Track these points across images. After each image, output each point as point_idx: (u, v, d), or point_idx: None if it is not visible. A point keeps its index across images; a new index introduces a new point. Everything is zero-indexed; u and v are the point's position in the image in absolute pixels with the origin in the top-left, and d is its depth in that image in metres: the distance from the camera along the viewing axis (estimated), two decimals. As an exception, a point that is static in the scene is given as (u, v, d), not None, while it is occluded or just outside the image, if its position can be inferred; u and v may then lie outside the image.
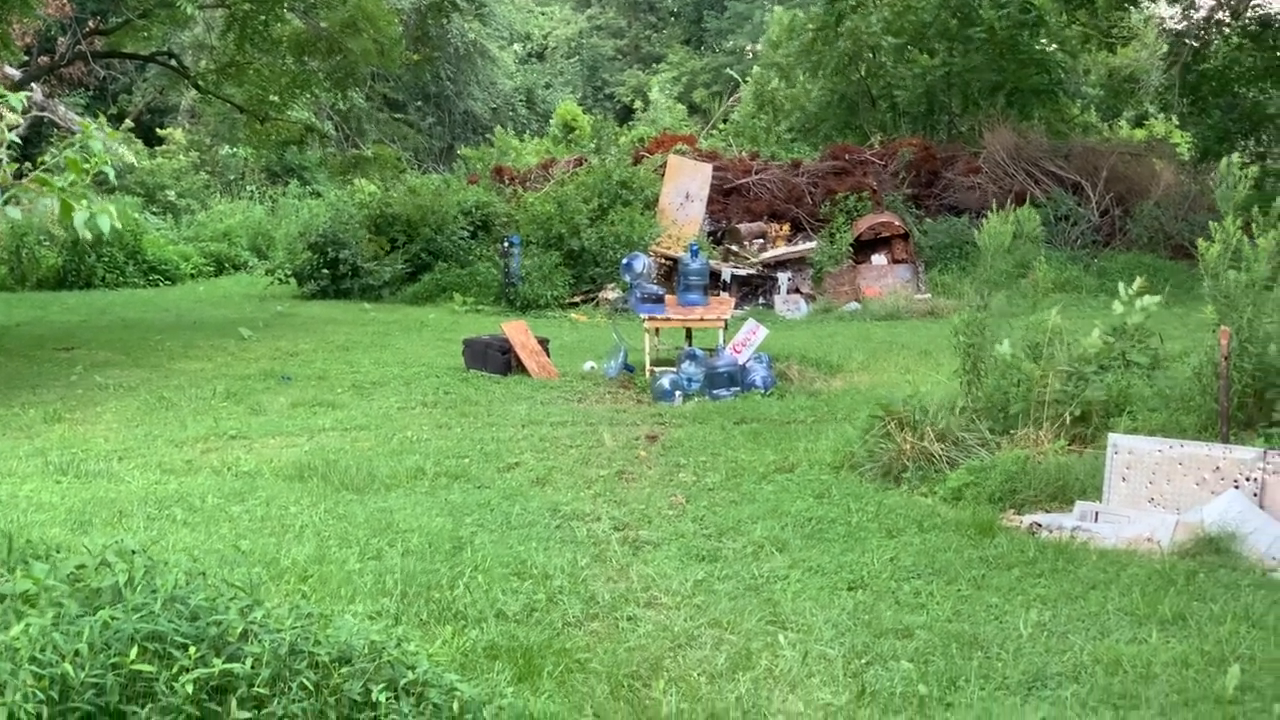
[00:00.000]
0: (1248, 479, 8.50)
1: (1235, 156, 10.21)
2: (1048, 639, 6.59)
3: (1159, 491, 8.77)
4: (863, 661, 6.33)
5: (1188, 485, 8.69)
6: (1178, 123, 34.85)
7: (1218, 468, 8.60)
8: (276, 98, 26.07)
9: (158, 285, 27.85)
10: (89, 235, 6.30)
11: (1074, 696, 5.84)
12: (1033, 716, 5.63)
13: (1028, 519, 8.83)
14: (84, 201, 6.24)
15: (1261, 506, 8.37)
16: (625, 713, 5.72)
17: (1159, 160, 28.25)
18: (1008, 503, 9.16)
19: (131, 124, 36.58)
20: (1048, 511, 9.01)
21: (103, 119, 7.27)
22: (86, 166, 6.11)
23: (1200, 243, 9.81)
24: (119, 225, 6.19)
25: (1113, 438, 9.11)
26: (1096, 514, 8.73)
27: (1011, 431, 10.04)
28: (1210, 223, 9.87)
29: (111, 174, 6.37)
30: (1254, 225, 9.55)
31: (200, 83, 25.60)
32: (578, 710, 5.70)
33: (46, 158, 6.38)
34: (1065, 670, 6.16)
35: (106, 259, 27.38)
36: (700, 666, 6.30)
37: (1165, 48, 34.29)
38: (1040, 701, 5.82)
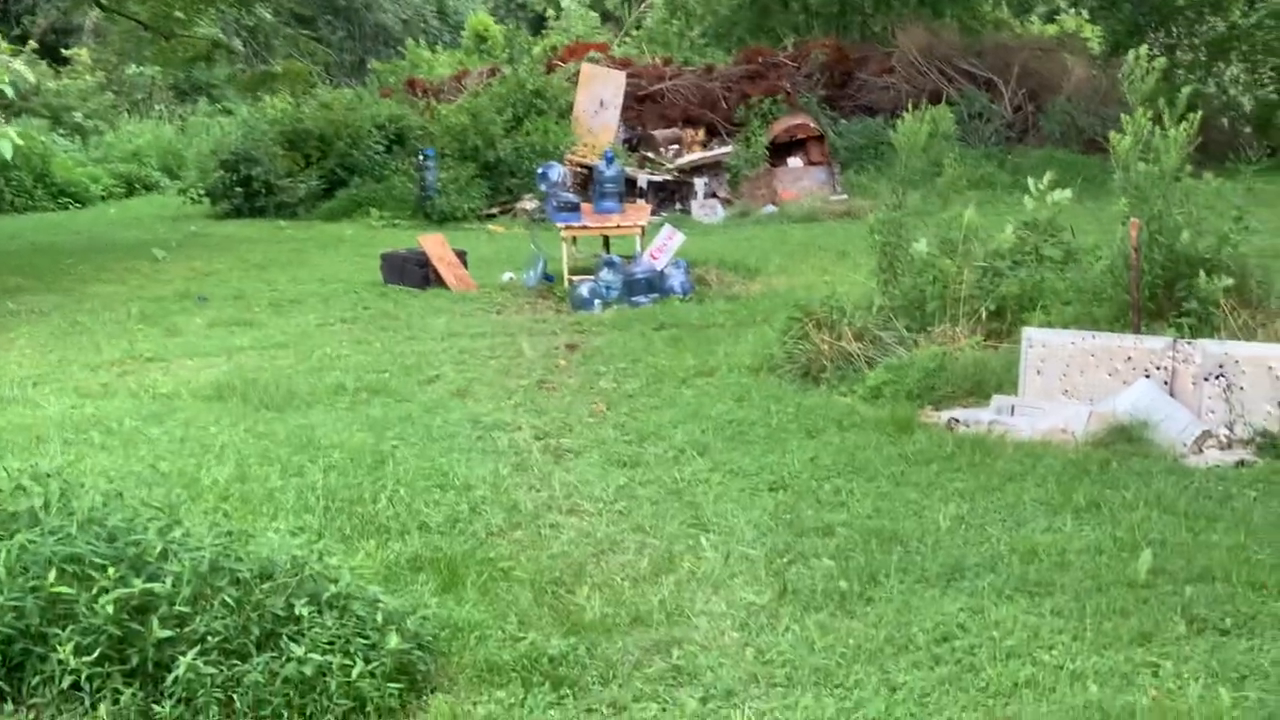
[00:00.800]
0: (1158, 368, 8.61)
1: (1143, 49, 10.27)
2: (966, 531, 6.68)
3: (1073, 383, 8.87)
4: (784, 560, 6.39)
5: (1100, 376, 8.80)
6: (1088, 17, 34.95)
7: (1129, 358, 8.71)
8: (181, 13, 25.61)
9: (67, 208, 27.41)
10: (-10, 159, 6.22)
11: (991, 586, 5.93)
12: (951, 607, 5.71)
13: (945, 415, 8.92)
14: (-16, 125, 6.15)
15: (1172, 394, 8.49)
16: (549, 618, 5.76)
17: (1070, 55, 28.33)
18: (926, 399, 9.25)
19: (35, 45, 35.87)
20: (965, 407, 9.10)
21: (0, 39, 7.15)
22: (-14, 82, 6.02)
23: (1111, 135, 9.88)
24: (21, 144, 6.10)
25: (1027, 331, 9.20)
26: (1013, 407, 8.83)
27: (928, 329, 10.12)
28: (1122, 115, 9.94)
29: (10, 91, 6.26)
30: (1164, 117, 9.61)
31: (103, 1, 25.10)
32: (502, 618, 5.73)
33: (-58, 80, 6.28)
34: (983, 561, 6.25)
35: (14, 183, 26.89)
36: (623, 571, 6.35)
37: (1075, -59, 34.34)
38: (958, 592, 5.91)
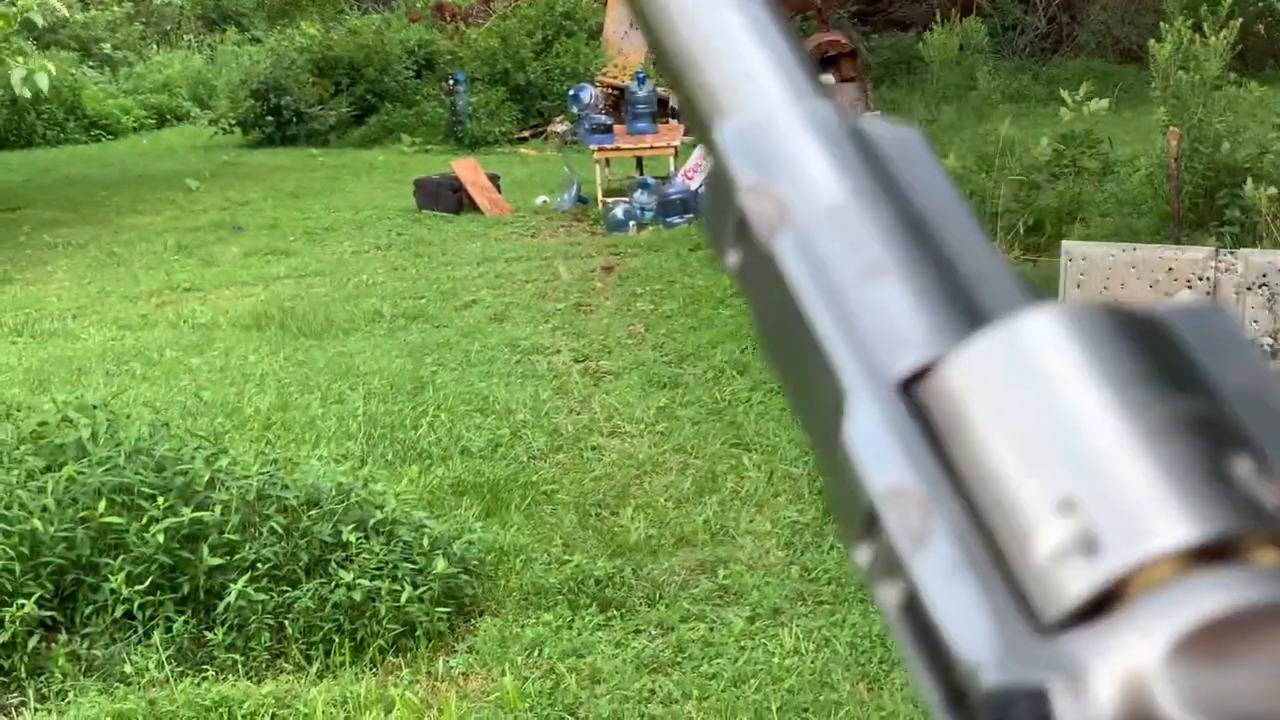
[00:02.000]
0: (1200, 279, 8.55)
1: (1182, -45, 10.13)
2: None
3: (1114, 295, 8.82)
4: (827, 478, 6.39)
5: (1141, 288, 8.74)
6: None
7: (1170, 269, 8.65)
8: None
9: (100, 140, 27.36)
10: (28, 94, 6.20)
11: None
12: (996, 522, 5.71)
13: (985, 329, 8.88)
14: (20, 59, 6.13)
15: (1215, 305, 8.43)
16: (594, 541, 5.79)
17: (1105, -37, 28.03)
18: (965, 314, 9.20)
19: (61, -24, 35.84)
20: (1004, 322, 9.05)
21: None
22: (14, 10, 5.99)
23: (1150, 43, 9.77)
24: (55, 75, 6.09)
25: (1066, 245, 9.13)
26: (1053, 322, 8.78)
27: (966, 244, 10.05)
28: (1160, 23, 9.82)
29: (39, 19, 6.22)
30: (1205, 25, 9.50)
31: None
32: (547, 541, 5.76)
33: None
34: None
35: (46, 116, 26.84)
36: (666, 492, 6.36)
37: None
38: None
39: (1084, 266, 8.89)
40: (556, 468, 6.79)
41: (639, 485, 6.50)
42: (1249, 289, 8.25)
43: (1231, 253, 8.51)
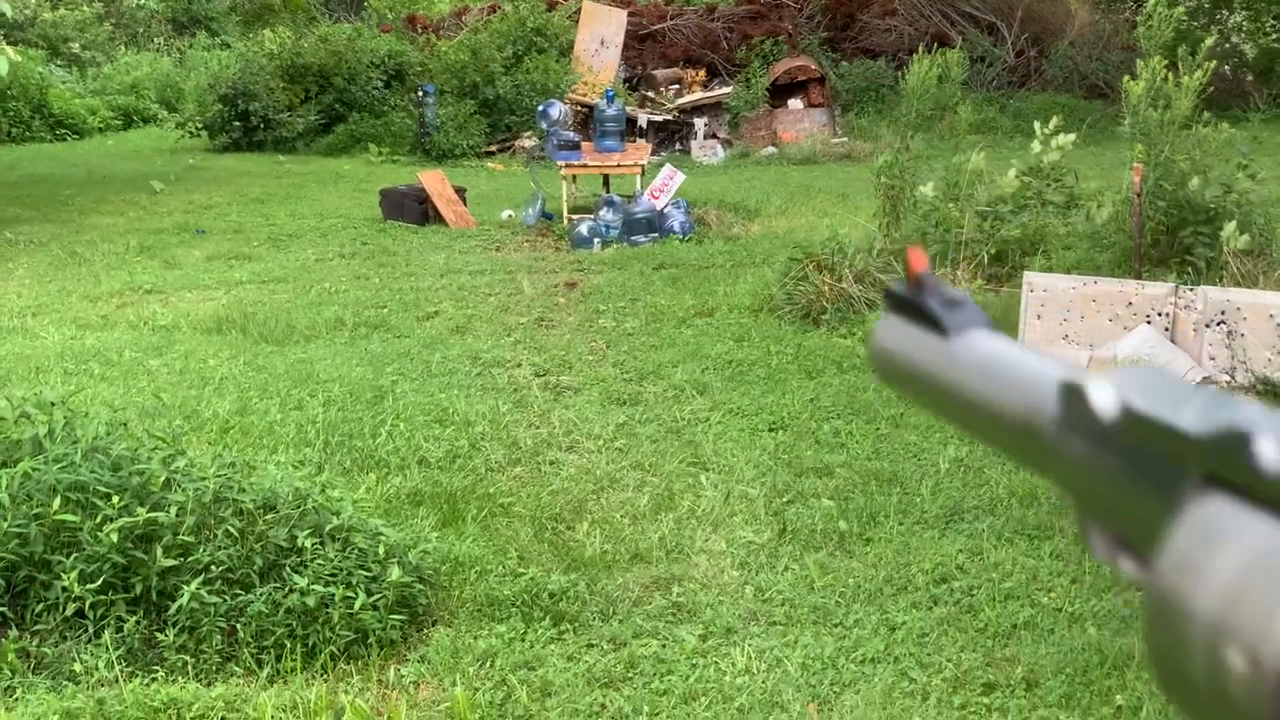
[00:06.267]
0: (1160, 314, 8.62)
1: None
2: (965, 474, 6.70)
3: (1073, 328, 8.88)
4: (784, 500, 6.42)
5: (1101, 321, 8.80)
6: (1093, -38, 34.77)
7: (1130, 303, 8.72)
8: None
9: (65, 140, 27.25)
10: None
11: (990, 528, 5.96)
12: (950, 548, 5.74)
13: (945, 358, 8.92)
14: (-19, 45, 6.11)
15: (1173, 341, 8.50)
16: (550, 554, 5.79)
17: (1074, 0, 28.22)
18: (926, 342, 9.24)
19: (32, -26, 35.68)
20: (965, 350, 9.09)
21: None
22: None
23: (1126, 80, 9.84)
24: (18, 61, 6.06)
25: (1028, 276, 9.20)
26: (1012, 352, 8.82)
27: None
28: (1136, 61, 9.91)
29: (9, 10, 6.20)
30: (1179, 65, 9.58)
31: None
32: (502, 553, 5.76)
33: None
34: (982, 504, 6.28)
35: (11, 113, 26.75)
36: (623, 508, 6.37)
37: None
38: (957, 534, 5.94)
39: (1044, 298, 8.95)
40: (514, 480, 6.79)
41: (596, 500, 6.50)
42: (1207, 325, 8.32)
43: (1191, 289, 8.59)
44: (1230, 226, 9.11)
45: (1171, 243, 9.50)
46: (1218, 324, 8.29)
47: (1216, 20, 30.40)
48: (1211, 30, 28.45)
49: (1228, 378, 8.16)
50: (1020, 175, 10.89)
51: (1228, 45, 29.34)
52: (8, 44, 20.42)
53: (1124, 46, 23.23)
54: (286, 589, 4.78)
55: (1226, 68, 27.43)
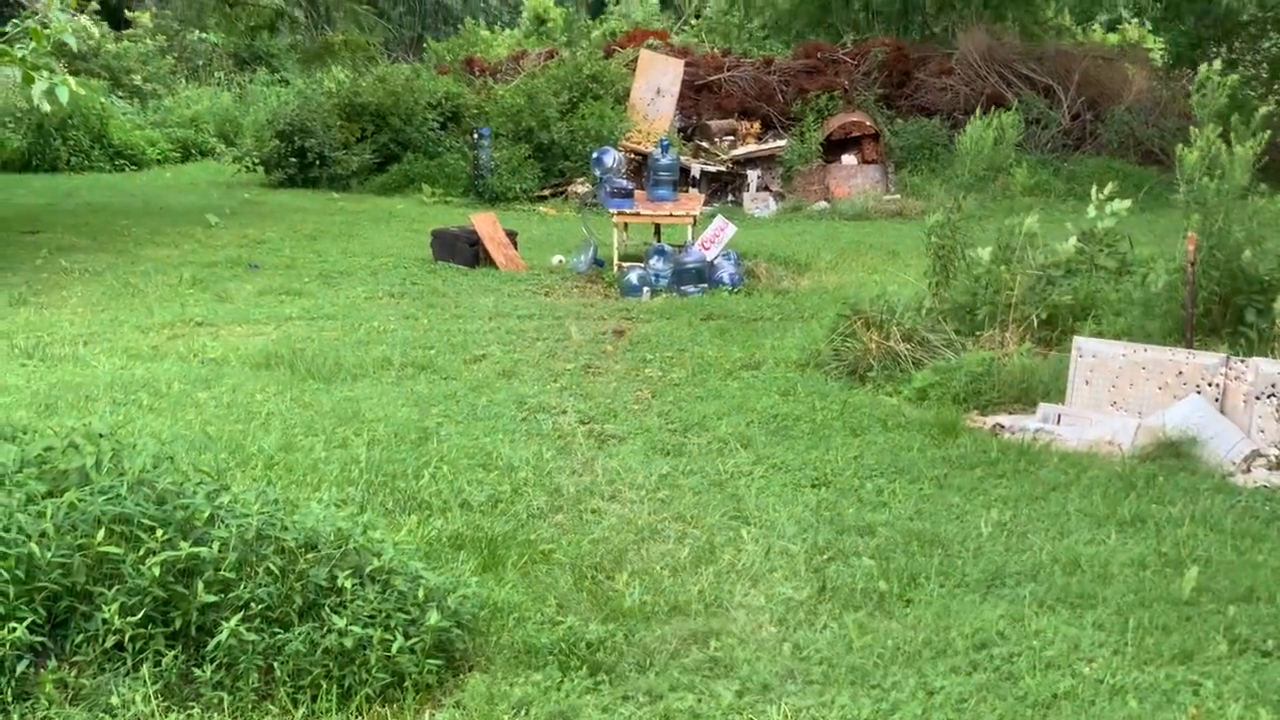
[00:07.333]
0: (1210, 384, 8.56)
1: (1216, 64, 10.19)
2: (1008, 538, 6.66)
3: (1122, 395, 8.83)
4: (824, 557, 6.39)
5: (1150, 389, 8.75)
6: (1150, 28, 34.67)
7: (1180, 372, 8.66)
8: (246, -20, 25.74)
9: (123, 170, 27.51)
10: (48, 107, 6.25)
11: (1032, 595, 5.91)
12: (991, 614, 5.70)
13: (991, 420, 8.89)
14: (44, 72, 6.18)
15: (1222, 412, 8.44)
16: (588, 604, 5.78)
17: (1131, 65, 28.11)
18: (972, 404, 9.22)
19: (98, 6, 36.02)
20: (1011, 413, 9.07)
21: (67, -4, 7.21)
22: (47, 32, 6.05)
23: (1179, 148, 9.81)
24: (81, 93, 6.13)
25: (1078, 341, 9.16)
26: (1059, 416, 8.79)
27: (978, 333, 10.08)
28: (1190, 128, 9.88)
29: (73, 43, 6.29)
30: (1232, 134, 9.55)
31: (168, -36, 25.21)
32: (541, 600, 5.75)
33: (8, 28, 6.31)
34: (1024, 569, 6.23)
35: (72, 142, 27.02)
36: (663, 560, 6.36)
37: (1141, -48, 34.11)
38: (999, 599, 5.89)
39: (1094, 363, 8.91)
40: (555, 528, 6.79)
41: (636, 551, 6.49)
42: (1257, 398, 8.26)
43: (1242, 360, 8.53)
44: None
45: (1224, 313, 9.45)
46: (1269, 396, 8.23)
47: (1274, 90, 30.29)
48: (1269, 99, 28.43)
49: (1277, 451, 8.09)
50: (1077, 242, 10.85)
51: (1288, 116, 29.21)
52: (70, 74, 20.68)
53: (1180, 113, 23.15)
54: (325, 629, 4.79)
55: (1283, 138, 27.29)
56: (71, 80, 7.36)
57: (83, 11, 27.28)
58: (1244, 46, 32.38)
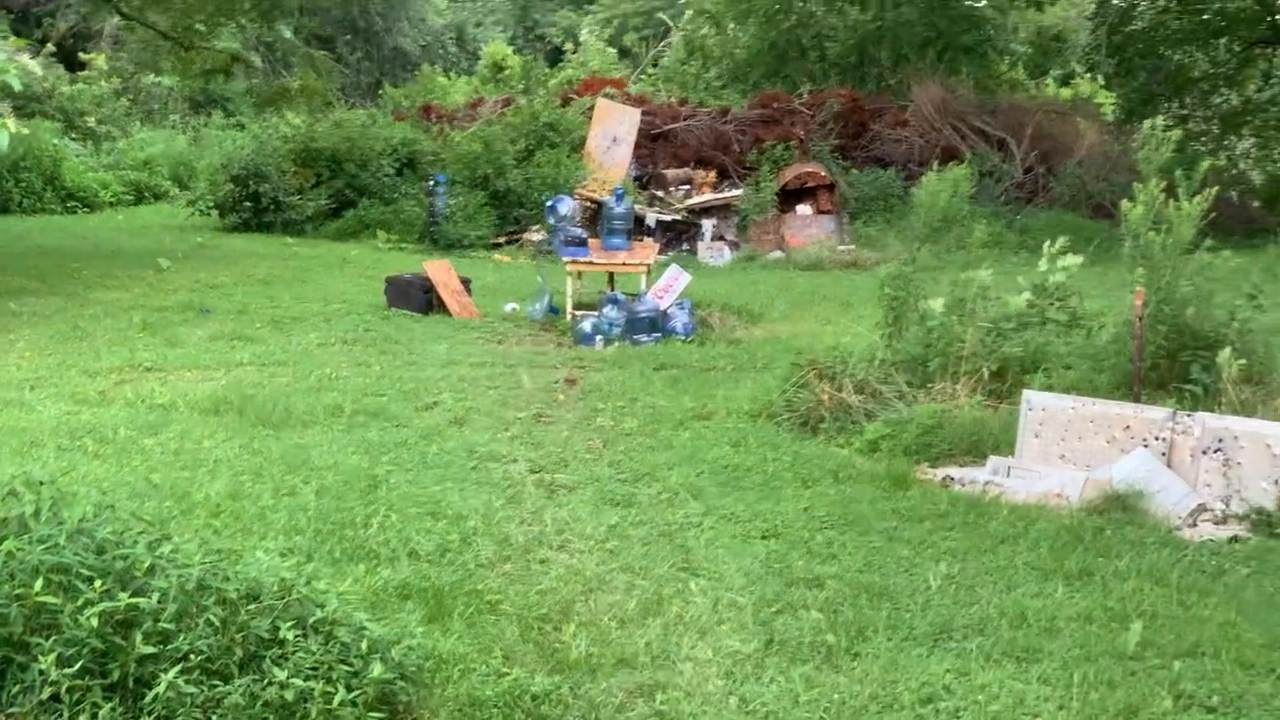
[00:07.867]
0: (1157, 438, 8.60)
1: (1159, 119, 10.28)
2: (956, 591, 6.66)
3: (1070, 448, 8.86)
4: (773, 610, 6.37)
5: (1098, 443, 8.79)
6: (1103, 83, 35.07)
7: (1128, 426, 8.70)
8: (203, 25, 25.67)
9: (75, 212, 27.38)
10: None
11: (979, 648, 5.91)
12: (938, 667, 5.69)
13: (941, 472, 8.91)
14: (-16, 117, 6.13)
15: (1169, 466, 8.48)
16: (535, 655, 5.74)
17: (1084, 120, 28.43)
18: (923, 456, 9.23)
19: (54, 48, 35.91)
20: (961, 465, 9.09)
21: (6, 28, 7.14)
22: (-12, 72, 6.01)
23: (1124, 204, 9.89)
24: (24, 133, 6.08)
25: (1027, 394, 9.20)
26: (1009, 469, 8.82)
27: (929, 385, 10.10)
28: (1134, 184, 9.96)
29: (16, 84, 6.25)
30: (1179, 189, 9.63)
31: (123, 8, 25.14)
32: (487, 652, 5.71)
33: (-50, 70, 6.27)
34: (972, 623, 6.23)
35: (24, 184, 26.87)
36: (611, 611, 6.32)
37: (1093, 7, 34.51)
38: (946, 653, 5.88)
39: (1043, 416, 8.95)
40: (503, 578, 6.75)
41: (584, 602, 6.46)
42: (1204, 452, 8.30)
43: (1189, 415, 8.58)
44: (1225, 353, 9.11)
45: (1171, 367, 9.51)
46: (1215, 451, 8.27)
47: (1225, 146, 30.63)
48: (1220, 155, 28.76)
49: (1223, 506, 8.13)
50: (1029, 296, 10.91)
51: (1235, 171, 29.55)
52: (21, 116, 20.53)
53: (1131, 168, 23.37)
54: (265, 681, 4.72)
55: (1233, 193, 27.61)
56: (12, 123, 7.26)
57: (37, 54, 27.24)
58: (1195, 102, 32.81)
